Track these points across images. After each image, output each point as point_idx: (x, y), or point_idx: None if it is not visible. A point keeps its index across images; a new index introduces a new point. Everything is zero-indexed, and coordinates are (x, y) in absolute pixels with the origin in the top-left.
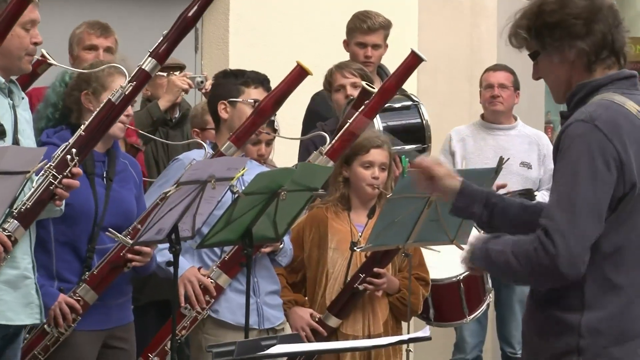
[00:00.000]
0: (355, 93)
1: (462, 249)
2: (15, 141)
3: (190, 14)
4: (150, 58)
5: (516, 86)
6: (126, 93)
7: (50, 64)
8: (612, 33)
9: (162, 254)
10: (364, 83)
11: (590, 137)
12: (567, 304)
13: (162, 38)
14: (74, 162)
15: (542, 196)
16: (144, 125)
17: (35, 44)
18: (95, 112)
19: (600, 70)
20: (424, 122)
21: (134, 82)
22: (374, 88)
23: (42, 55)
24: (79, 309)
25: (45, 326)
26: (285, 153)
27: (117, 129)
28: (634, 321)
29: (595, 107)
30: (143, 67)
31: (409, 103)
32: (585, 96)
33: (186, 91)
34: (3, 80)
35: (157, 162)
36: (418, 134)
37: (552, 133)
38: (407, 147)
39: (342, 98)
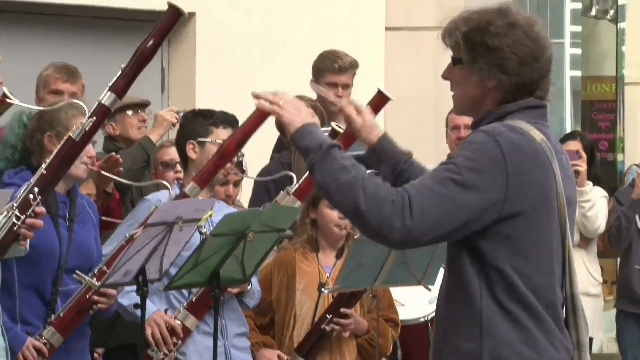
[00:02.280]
0: None
1: (429, 289)
2: None
3: (147, 46)
4: (109, 92)
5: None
6: (86, 129)
7: (11, 104)
8: (539, 82)
9: (129, 297)
10: (333, 124)
11: (485, 147)
12: (466, 333)
13: (120, 72)
14: (36, 202)
15: None
16: (138, 161)
17: None
18: (56, 150)
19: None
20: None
21: (94, 118)
22: (342, 128)
23: (4, 94)
24: (46, 352)
25: None
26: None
27: (80, 170)
28: (535, 346)
29: (499, 125)
30: (102, 101)
31: None
32: (490, 123)
33: (174, 125)
34: None
35: (133, 202)
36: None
37: None
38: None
39: None
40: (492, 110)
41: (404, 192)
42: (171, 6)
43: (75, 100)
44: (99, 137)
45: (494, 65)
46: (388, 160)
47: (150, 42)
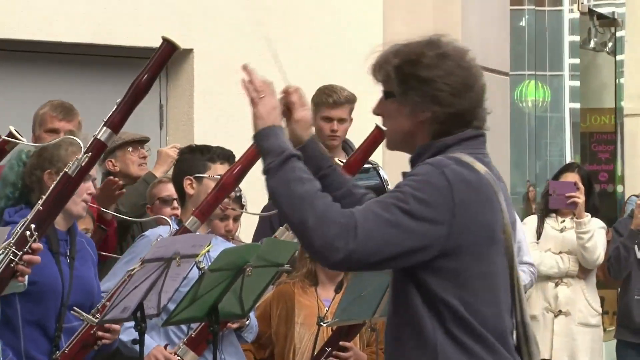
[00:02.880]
0: None
1: None
2: None
3: (142, 80)
4: (104, 127)
5: None
6: (82, 164)
7: (18, 142)
8: (472, 113)
9: (128, 333)
10: (336, 159)
11: (432, 179)
12: None
13: (115, 106)
14: (33, 238)
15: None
16: (143, 197)
17: None
18: (52, 186)
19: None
20: (384, 183)
21: (90, 153)
22: (342, 162)
23: (10, 133)
24: None
25: None
26: (252, 228)
27: (80, 207)
28: None
29: (444, 158)
30: (98, 136)
31: (368, 166)
32: (429, 157)
33: None
34: None
35: (134, 237)
36: (378, 194)
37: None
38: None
39: None
40: (429, 144)
41: (352, 215)
42: (165, 40)
43: (72, 137)
44: (97, 174)
45: (427, 97)
46: (314, 160)
47: (145, 76)
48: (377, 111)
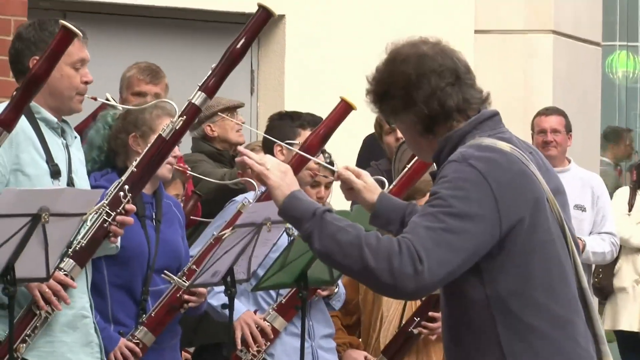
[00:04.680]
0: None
1: None
2: (70, 181)
3: (238, 46)
4: (199, 92)
5: (568, 129)
6: (177, 128)
7: (114, 106)
8: (438, 97)
9: (217, 297)
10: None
11: (463, 175)
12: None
13: (210, 72)
14: (127, 199)
15: (593, 240)
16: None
17: (86, 82)
18: (147, 148)
19: (448, 127)
20: None
21: (184, 117)
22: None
23: (107, 99)
24: (139, 352)
25: None
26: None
27: (165, 170)
28: (562, 356)
29: (467, 149)
30: (193, 101)
31: None
32: (451, 150)
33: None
34: (55, 120)
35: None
36: None
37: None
38: None
39: (393, 140)
40: (446, 137)
41: (405, 240)
42: (261, 7)
43: (166, 100)
44: (185, 137)
45: (396, 108)
46: (394, 215)
47: (241, 42)
48: (400, 135)
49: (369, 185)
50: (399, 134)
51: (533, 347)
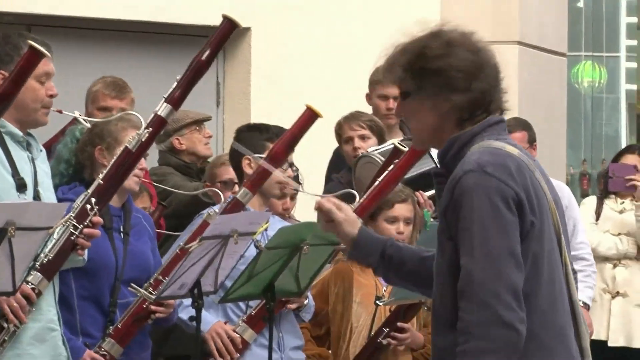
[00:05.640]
0: (363, 145)
1: None
2: (36, 194)
3: (203, 57)
4: (165, 103)
5: (532, 141)
6: (142, 140)
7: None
8: (491, 93)
9: (187, 311)
10: (396, 142)
11: (485, 184)
12: None
13: (175, 83)
14: (93, 212)
15: (582, 292)
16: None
17: (51, 96)
18: (113, 160)
19: (469, 125)
20: (438, 166)
21: (150, 129)
22: (405, 147)
23: (76, 117)
24: None
25: None
26: (307, 207)
27: (132, 182)
28: None
29: (478, 155)
30: (158, 112)
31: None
32: (459, 150)
33: None
34: (21, 133)
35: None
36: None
37: (588, 184)
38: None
39: (351, 150)
40: (457, 137)
41: (477, 289)
42: (226, 18)
43: (131, 112)
44: (153, 150)
45: (443, 87)
46: (373, 249)
47: (206, 53)
48: (398, 113)
49: (350, 218)
50: (357, 143)
51: (528, 355)
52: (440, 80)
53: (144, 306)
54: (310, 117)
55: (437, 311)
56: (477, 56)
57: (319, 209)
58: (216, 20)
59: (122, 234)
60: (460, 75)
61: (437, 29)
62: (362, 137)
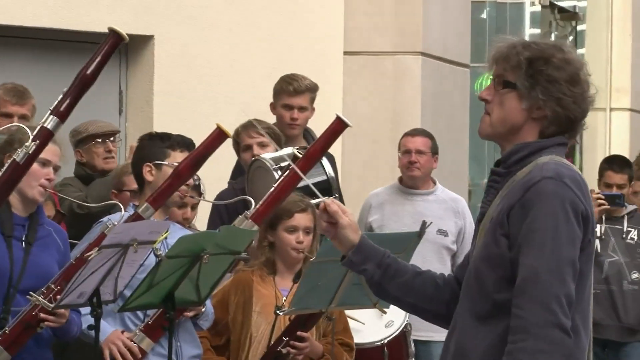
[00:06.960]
0: (262, 152)
1: (384, 312)
2: None
3: (88, 72)
4: (51, 116)
5: (434, 151)
6: (29, 152)
7: None
8: (579, 122)
9: (86, 319)
10: (295, 150)
11: (563, 194)
12: None
13: (61, 95)
14: None
15: None
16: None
17: None
18: (0, 173)
19: (544, 137)
20: (328, 176)
21: (37, 141)
22: (301, 153)
23: None
24: None
25: None
26: (208, 217)
27: (36, 192)
28: None
29: (555, 166)
30: (45, 125)
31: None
32: (526, 157)
33: None
34: None
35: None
36: (326, 188)
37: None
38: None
39: (250, 157)
40: (527, 144)
41: (542, 290)
42: (112, 31)
43: (20, 125)
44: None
45: (552, 97)
46: (373, 255)
47: (91, 68)
48: (485, 97)
49: (353, 224)
50: (256, 151)
51: None
52: (551, 89)
53: (33, 313)
54: (218, 136)
55: (465, 305)
56: (584, 85)
57: (325, 210)
58: (121, 28)
59: (23, 243)
60: (569, 94)
61: (559, 43)
62: (261, 145)
